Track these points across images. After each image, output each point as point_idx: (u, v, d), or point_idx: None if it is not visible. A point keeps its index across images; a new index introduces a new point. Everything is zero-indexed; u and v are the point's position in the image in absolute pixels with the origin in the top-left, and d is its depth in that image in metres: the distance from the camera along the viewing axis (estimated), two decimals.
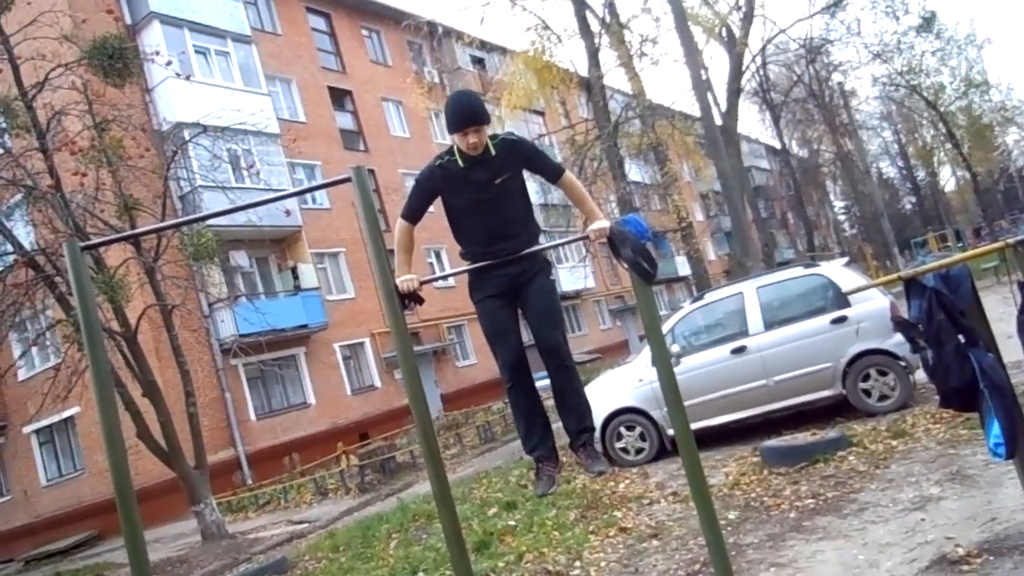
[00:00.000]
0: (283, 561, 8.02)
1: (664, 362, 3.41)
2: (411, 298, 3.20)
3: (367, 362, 23.08)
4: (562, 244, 3.79)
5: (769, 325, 8.21)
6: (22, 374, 17.65)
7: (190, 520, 13.01)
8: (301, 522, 11.94)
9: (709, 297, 9.26)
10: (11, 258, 11.30)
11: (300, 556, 8.51)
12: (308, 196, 22.54)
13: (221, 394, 18.37)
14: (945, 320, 3.73)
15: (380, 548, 7.68)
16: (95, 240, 5.01)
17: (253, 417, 19.12)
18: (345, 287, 23.15)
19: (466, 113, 3.09)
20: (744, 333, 8.29)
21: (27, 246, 11.35)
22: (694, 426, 3.46)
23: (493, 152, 3.15)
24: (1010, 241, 3.66)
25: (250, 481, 17.68)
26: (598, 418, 8.93)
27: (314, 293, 20.77)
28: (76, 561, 14.97)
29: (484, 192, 3.17)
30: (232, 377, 18.82)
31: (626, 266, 3.22)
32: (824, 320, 7.99)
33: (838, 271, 8.32)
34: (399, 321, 3.32)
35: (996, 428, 3.52)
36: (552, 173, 3.33)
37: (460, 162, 3.15)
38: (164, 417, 11.39)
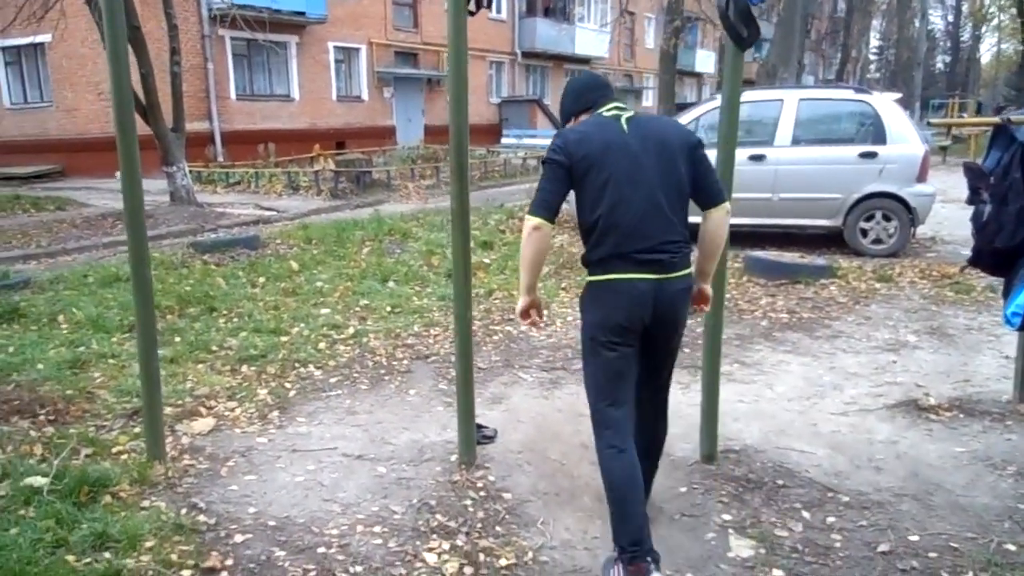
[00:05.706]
0: (256, 238, 8.04)
1: None
2: None
3: (358, 71, 21.98)
4: None
5: (796, 141, 7.86)
6: None
7: (157, 180, 12.85)
8: (269, 209, 11.93)
9: (747, 95, 8.69)
10: None
11: (271, 238, 8.52)
12: None
13: (204, 63, 17.44)
14: (1020, 180, 3.52)
15: (352, 251, 7.72)
16: None
17: (233, 96, 18.39)
18: None
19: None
20: (768, 143, 7.94)
21: None
22: None
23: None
24: None
25: (222, 159, 17.42)
26: None
27: None
28: (36, 190, 14.89)
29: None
30: (218, 49, 17.77)
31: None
32: (853, 151, 7.65)
33: (888, 106, 7.80)
34: (461, 25, 2.99)
35: (1022, 298, 3.46)
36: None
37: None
38: (146, 69, 10.70)
